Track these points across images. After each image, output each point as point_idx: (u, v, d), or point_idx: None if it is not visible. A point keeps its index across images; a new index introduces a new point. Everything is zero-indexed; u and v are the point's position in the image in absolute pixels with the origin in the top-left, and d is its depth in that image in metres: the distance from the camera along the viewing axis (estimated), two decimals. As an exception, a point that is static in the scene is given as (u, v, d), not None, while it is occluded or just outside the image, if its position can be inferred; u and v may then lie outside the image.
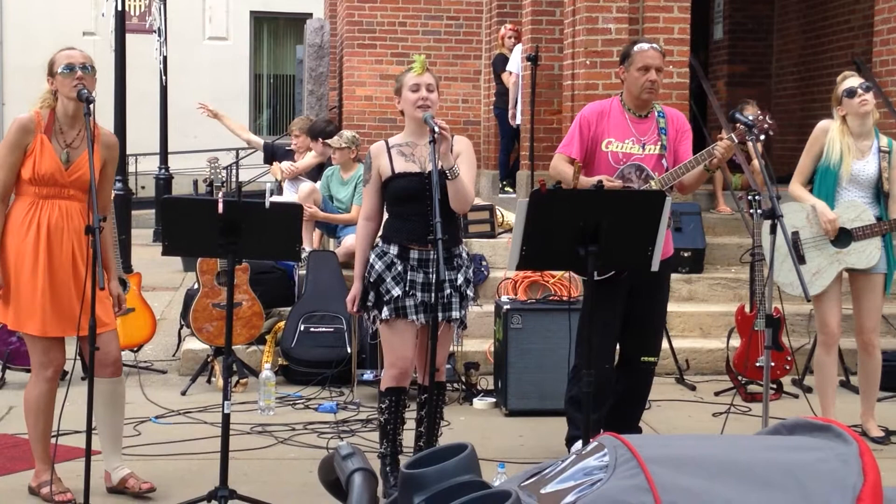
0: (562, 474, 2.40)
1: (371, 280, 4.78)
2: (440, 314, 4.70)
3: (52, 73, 4.65)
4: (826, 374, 5.82)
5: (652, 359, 5.29)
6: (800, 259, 5.66)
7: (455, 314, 4.79)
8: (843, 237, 5.66)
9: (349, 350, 7.04)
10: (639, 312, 5.18)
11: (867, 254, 5.62)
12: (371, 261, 4.80)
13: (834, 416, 5.65)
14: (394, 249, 4.77)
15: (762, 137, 4.94)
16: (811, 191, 5.77)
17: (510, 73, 10.87)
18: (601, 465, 2.33)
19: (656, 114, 5.25)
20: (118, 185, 10.19)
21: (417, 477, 2.47)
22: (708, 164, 5.02)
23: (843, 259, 5.66)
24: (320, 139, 8.80)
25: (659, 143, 5.18)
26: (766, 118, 5.00)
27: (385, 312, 4.72)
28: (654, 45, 5.26)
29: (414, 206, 4.73)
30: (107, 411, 4.80)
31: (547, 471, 2.49)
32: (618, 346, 5.31)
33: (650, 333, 5.29)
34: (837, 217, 5.63)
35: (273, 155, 9.56)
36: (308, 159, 9.20)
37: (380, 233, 4.90)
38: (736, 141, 4.99)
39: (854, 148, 5.62)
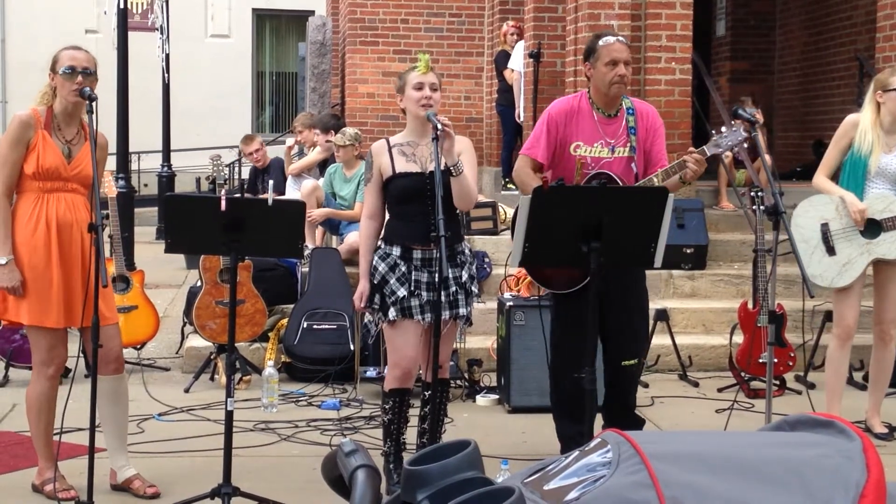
0: (565, 471, 2.41)
1: (375, 282, 4.77)
2: (447, 312, 4.70)
3: (54, 70, 4.66)
4: (837, 369, 5.80)
5: (632, 362, 5.15)
6: (829, 250, 5.68)
7: (462, 311, 4.79)
8: (872, 228, 5.66)
9: (352, 347, 7.04)
10: (614, 317, 5.00)
11: None
12: (374, 263, 4.79)
13: (839, 412, 5.65)
14: (396, 251, 4.77)
15: (732, 150, 4.81)
16: (838, 181, 5.75)
17: (512, 70, 10.87)
18: (604, 462, 2.33)
19: (626, 110, 5.05)
20: (121, 182, 10.21)
21: (421, 473, 2.47)
22: (682, 176, 4.85)
23: (872, 250, 5.65)
24: (332, 132, 8.86)
25: (628, 144, 5.00)
26: (740, 129, 4.85)
27: (391, 313, 4.72)
28: (620, 38, 5.05)
29: (415, 207, 4.73)
30: (110, 409, 4.81)
31: (550, 467, 2.49)
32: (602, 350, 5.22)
33: (628, 337, 5.13)
34: (867, 207, 5.62)
35: (255, 178, 9.67)
36: (313, 155, 9.23)
37: (381, 234, 4.90)
38: (708, 154, 4.83)
39: (883, 141, 5.62)
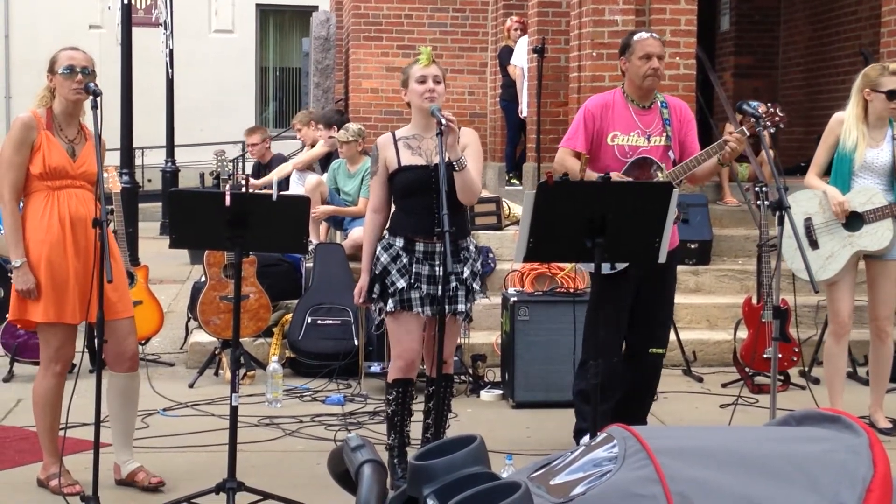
0: (571, 465, 2.41)
1: (377, 272, 4.78)
2: (446, 307, 4.70)
3: (52, 71, 4.65)
4: (835, 365, 5.82)
5: (660, 350, 5.28)
6: (812, 244, 5.71)
7: (460, 307, 4.78)
8: (854, 221, 5.69)
9: (356, 342, 7.05)
10: (646, 304, 5.18)
11: (879, 235, 5.64)
12: (377, 253, 4.80)
13: (841, 407, 5.66)
14: (399, 242, 4.77)
15: (773, 129, 4.98)
16: (828, 182, 5.78)
17: (515, 66, 10.86)
18: (610, 457, 2.33)
19: (659, 104, 5.24)
20: (125, 177, 10.21)
21: (426, 468, 2.47)
22: (721, 157, 5.04)
23: (855, 242, 5.68)
24: (335, 127, 8.88)
25: (664, 134, 5.18)
26: (777, 110, 5.00)
27: (390, 304, 4.73)
28: (654, 34, 5.26)
29: (419, 199, 4.73)
30: (121, 406, 4.81)
31: (556, 462, 2.49)
32: (625, 339, 5.30)
33: (658, 325, 5.28)
34: (847, 200, 5.64)
35: (258, 173, 9.66)
36: (317, 149, 9.23)
37: (387, 226, 4.90)
38: (747, 134, 5.02)
39: (868, 136, 5.64)
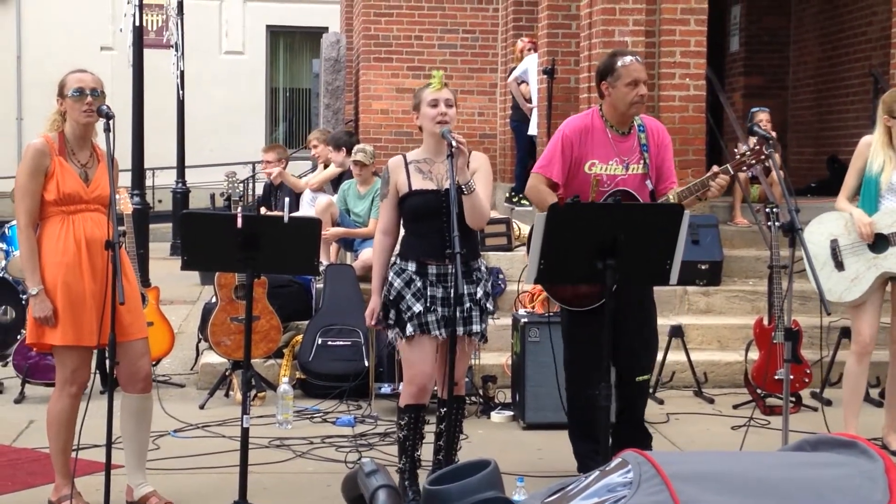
0: (585, 491, 2.40)
1: (391, 298, 4.78)
2: (461, 328, 4.70)
3: (62, 94, 4.67)
4: (855, 385, 5.81)
5: (645, 377, 5.16)
6: (838, 266, 5.72)
7: (476, 328, 4.78)
8: (880, 243, 5.71)
9: (367, 363, 7.04)
10: (626, 332, 4.97)
11: None
12: (389, 279, 4.80)
13: (856, 428, 5.64)
14: (412, 266, 4.78)
15: (758, 168, 4.85)
16: (858, 203, 5.79)
17: (516, 80, 10.88)
18: (625, 482, 2.32)
19: (637, 127, 5.08)
20: (136, 198, 10.24)
21: (441, 494, 2.47)
22: (701, 195, 4.89)
23: (880, 264, 5.68)
24: (344, 149, 8.90)
25: (642, 161, 5.03)
26: (763, 148, 4.80)
27: (409, 329, 4.72)
28: (637, 58, 5.06)
29: (430, 223, 4.74)
30: (134, 427, 4.81)
31: (570, 487, 2.48)
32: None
33: (640, 352, 5.14)
34: (873, 222, 5.65)
35: (269, 193, 9.66)
36: (330, 170, 9.24)
37: (397, 250, 4.90)
38: (731, 172, 4.85)
39: (895, 159, 5.65)
